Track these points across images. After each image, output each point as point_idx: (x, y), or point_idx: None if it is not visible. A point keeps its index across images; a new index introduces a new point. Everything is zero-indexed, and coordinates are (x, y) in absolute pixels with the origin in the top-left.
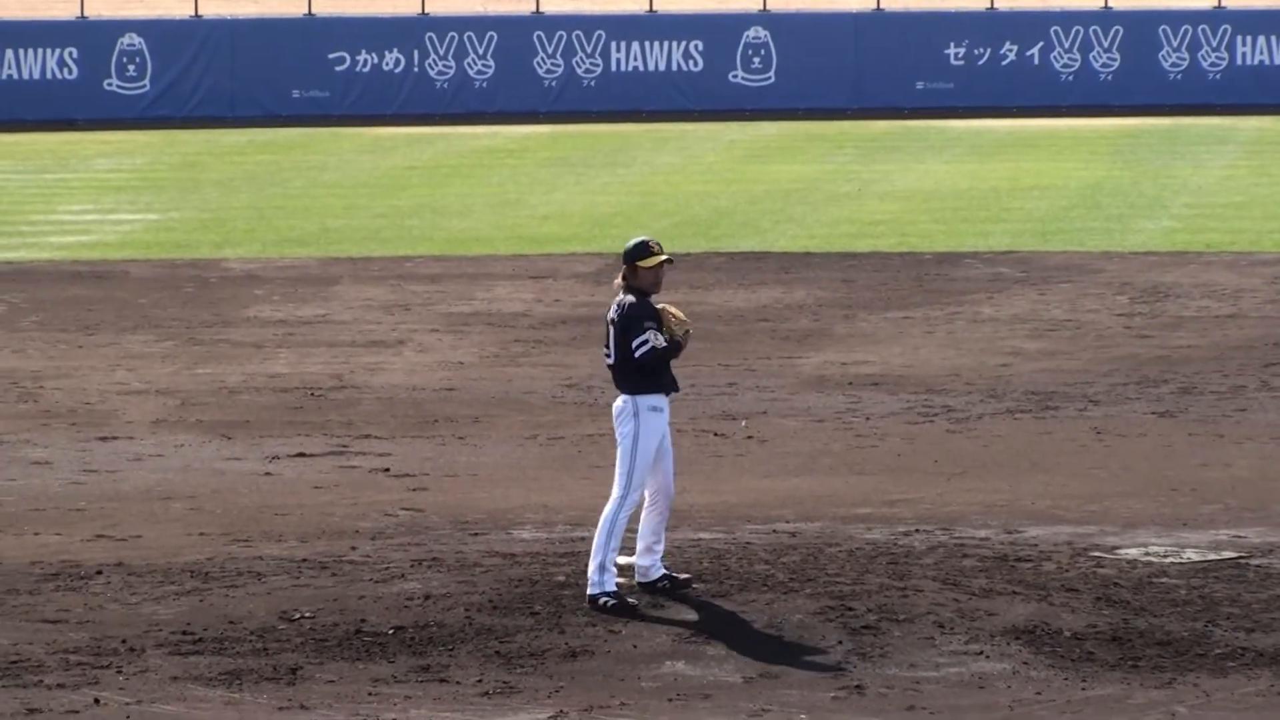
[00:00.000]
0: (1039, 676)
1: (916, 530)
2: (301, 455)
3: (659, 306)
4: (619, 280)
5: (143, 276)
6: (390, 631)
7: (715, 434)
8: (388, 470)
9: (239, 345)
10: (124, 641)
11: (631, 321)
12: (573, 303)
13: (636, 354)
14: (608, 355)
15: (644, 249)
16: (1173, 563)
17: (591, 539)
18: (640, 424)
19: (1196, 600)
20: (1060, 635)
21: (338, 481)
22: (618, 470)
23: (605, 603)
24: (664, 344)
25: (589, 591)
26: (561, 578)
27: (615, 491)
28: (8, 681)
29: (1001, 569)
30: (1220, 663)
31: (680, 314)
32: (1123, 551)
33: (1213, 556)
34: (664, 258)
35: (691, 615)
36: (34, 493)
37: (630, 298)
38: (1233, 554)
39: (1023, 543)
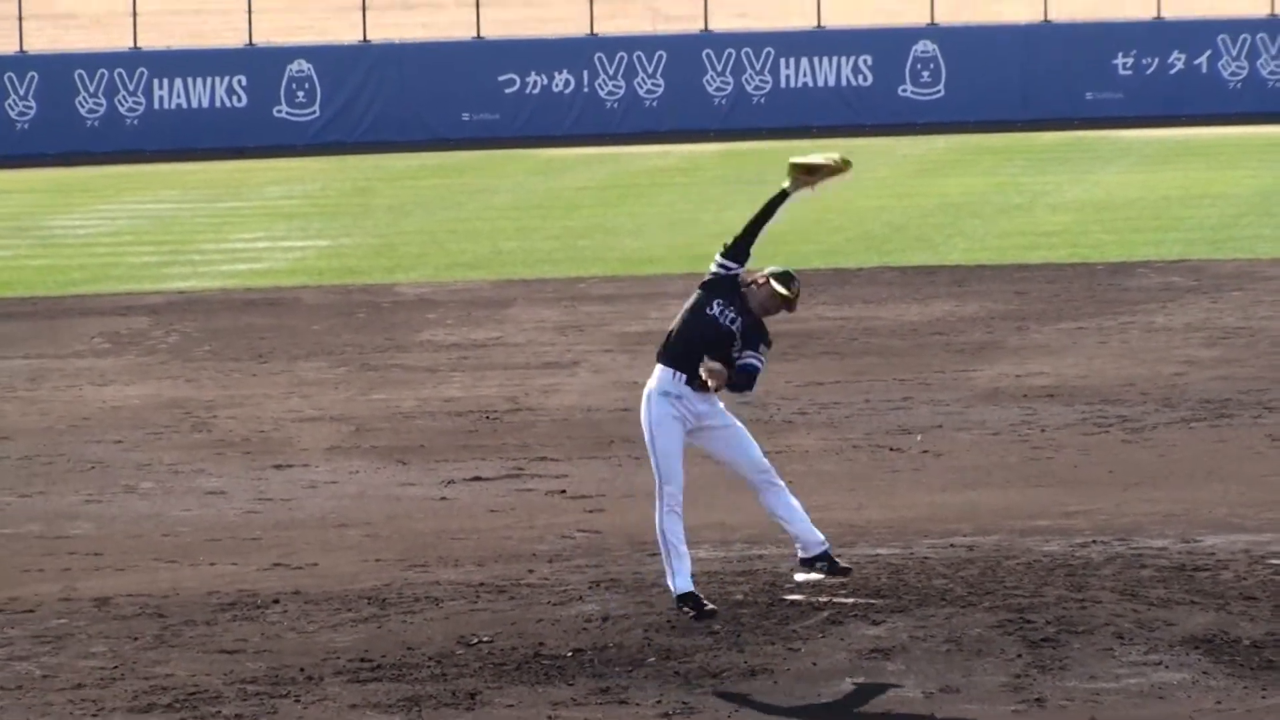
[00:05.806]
0: (1218, 686)
1: (1094, 541)
2: (477, 479)
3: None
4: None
5: (315, 303)
6: (569, 654)
7: (890, 449)
8: (564, 492)
9: (412, 370)
10: (302, 670)
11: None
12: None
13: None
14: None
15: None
16: None
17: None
18: (650, 410)
19: None
20: (1239, 644)
21: (514, 505)
22: None
23: (683, 610)
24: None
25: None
26: (739, 596)
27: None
28: (186, 713)
29: (1179, 578)
30: None
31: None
32: None
33: None
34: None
35: (870, 631)
36: (209, 523)
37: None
38: None
39: (1200, 551)
